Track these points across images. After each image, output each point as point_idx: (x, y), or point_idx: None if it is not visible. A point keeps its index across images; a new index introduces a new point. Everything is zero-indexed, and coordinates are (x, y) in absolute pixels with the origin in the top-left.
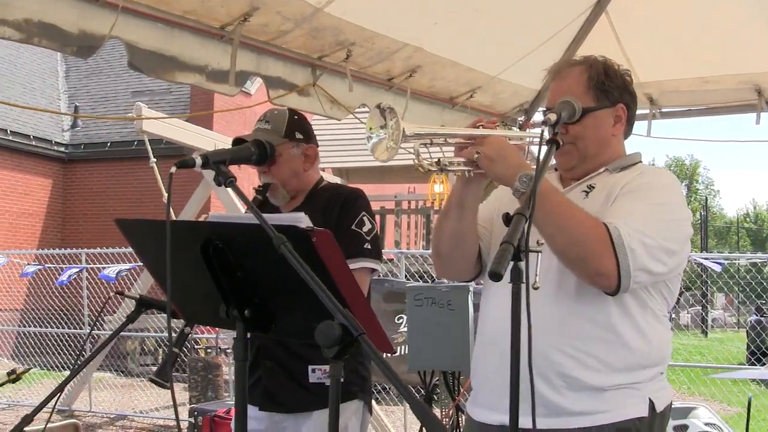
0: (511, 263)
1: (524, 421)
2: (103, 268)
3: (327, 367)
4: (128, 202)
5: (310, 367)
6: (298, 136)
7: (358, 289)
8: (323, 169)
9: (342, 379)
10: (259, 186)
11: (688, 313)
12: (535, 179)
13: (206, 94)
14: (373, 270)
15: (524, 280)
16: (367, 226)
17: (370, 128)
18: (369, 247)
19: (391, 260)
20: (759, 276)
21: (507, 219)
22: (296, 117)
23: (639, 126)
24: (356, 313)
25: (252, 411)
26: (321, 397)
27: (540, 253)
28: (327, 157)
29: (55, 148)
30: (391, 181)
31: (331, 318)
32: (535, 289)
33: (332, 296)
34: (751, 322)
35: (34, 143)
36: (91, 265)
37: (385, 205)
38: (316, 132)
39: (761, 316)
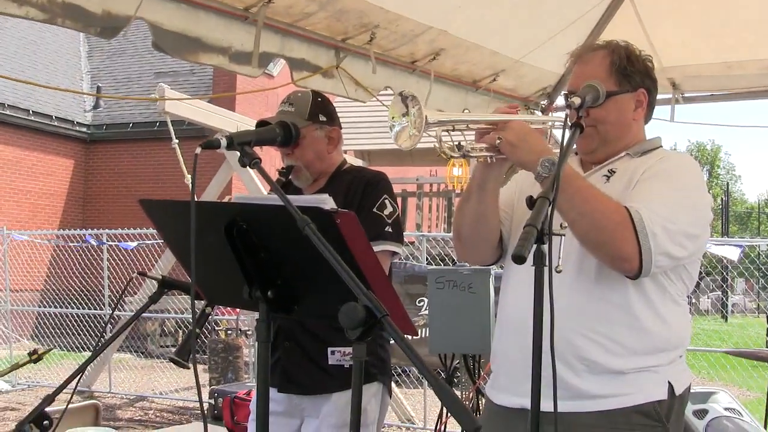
0: (534, 246)
1: (545, 405)
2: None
3: (346, 349)
4: (150, 183)
5: (329, 349)
6: (322, 118)
7: (381, 271)
8: (345, 152)
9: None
10: (283, 168)
11: (708, 299)
12: (559, 162)
13: (229, 75)
14: (395, 253)
15: (547, 263)
16: (389, 209)
17: (393, 117)
18: (390, 230)
19: (412, 243)
20: None
21: (530, 202)
22: (320, 99)
23: (662, 111)
24: (379, 295)
25: (271, 392)
26: (340, 379)
27: (563, 237)
28: (349, 139)
29: (77, 128)
30: (412, 164)
31: (354, 300)
32: (558, 272)
33: (356, 278)
34: None
35: (56, 123)
36: (111, 242)
37: (407, 188)
38: (338, 113)
39: None
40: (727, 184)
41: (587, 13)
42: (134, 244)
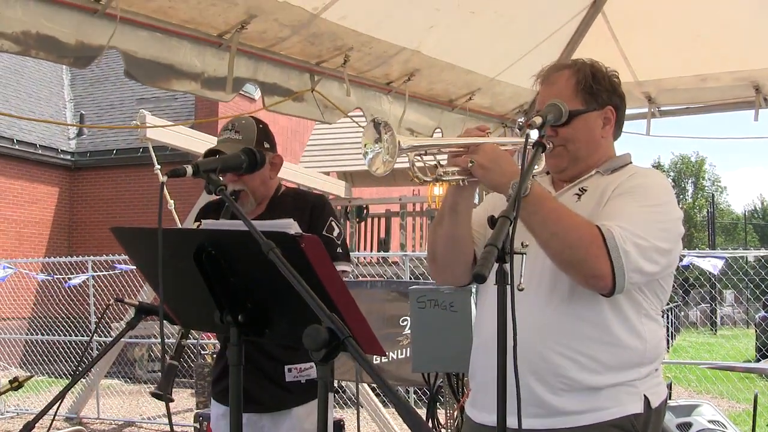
0: (497, 265)
1: (523, 423)
2: (114, 266)
3: (302, 366)
4: (135, 209)
5: (286, 367)
6: (266, 145)
7: (347, 292)
8: (328, 173)
9: (316, 375)
10: (230, 194)
11: (696, 311)
12: (520, 181)
13: (210, 100)
14: (344, 271)
15: (509, 282)
16: (336, 231)
17: (366, 144)
18: (341, 250)
19: (395, 263)
20: (763, 272)
21: (492, 222)
22: (261, 126)
23: (638, 125)
24: (346, 316)
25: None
26: (298, 395)
27: (525, 255)
28: (331, 160)
29: (62, 156)
30: (395, 184)
31: (321, 321)
32: (520, 290)
33: (319, 300)
34: (758, 318)
35: (40, 152)
36: (97, 273)
37: (391, 208)
38: (320, 135)
39: None
40: (713, 195)
41: (560, 29)
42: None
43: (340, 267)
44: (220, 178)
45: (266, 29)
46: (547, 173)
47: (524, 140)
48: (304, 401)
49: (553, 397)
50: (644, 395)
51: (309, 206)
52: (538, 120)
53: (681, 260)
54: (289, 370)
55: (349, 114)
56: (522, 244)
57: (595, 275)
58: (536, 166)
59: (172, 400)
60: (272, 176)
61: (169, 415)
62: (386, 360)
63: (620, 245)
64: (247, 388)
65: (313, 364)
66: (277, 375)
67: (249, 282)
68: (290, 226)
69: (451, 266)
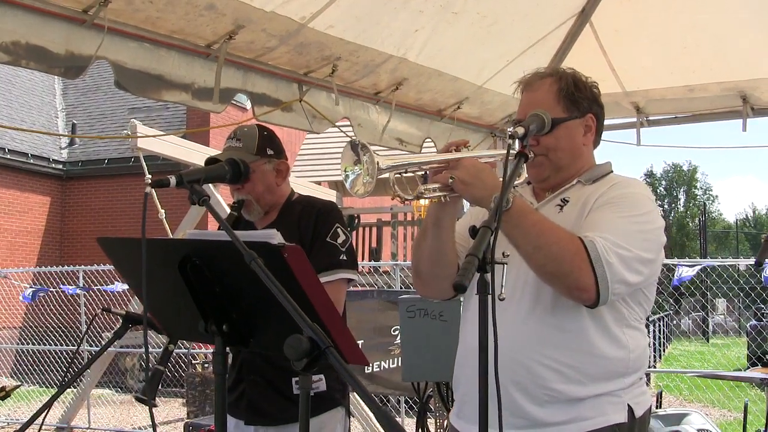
0: (478, 275)
1: None
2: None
3: (311, 378)
4: (126, 219)
5: (293, 379)
6: (270, 152)
7: (330, 302)
8: (319, 183)
9: (325, 388)
10: (234, 203)
11: (689, 320)
12: (502, 191)
13: (202, 111)
14: (350, 280)
15: (490, 292)
16: (342, 237)
17: (345, 168)
18: (345, 258)
19: (387, 272)
20: (752, 281)
21: (473, 232)
22: (266, 133)
23: (628, 134)
24: (329, 326)
25: (239, 425)
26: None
27: (506, 265)
28: (322, 170)
29: (53, 165)
30: (386, 194)
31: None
32: (501, 300)
33: (300, 310)
34: (749, 327)
35: (32, 161)
36: (91, 288)
37: (382, 218)
38: (311, 145)
39: (758, 320)
40: (705, 204)
41: (547, 35)
42: (120, 287)
43: (345, 275)
44: (203, 187)
45: (254, 39)
46: (528, 183)
47: (506, 152)
48: (313, 415)
49: (536, 408)
50: (628, 404)
51: (315, 212)
52: (521, 130)
53: (672, 277)
54: (296, 382)
55: (336, 124)
56: (503, 253)
57: (578, 287)
58: (518, 177)
59: (156, 405)
60: (279, 183)
61: (153, 419)
62: (378, 369)
63: (603, 257)
64: (255, 400)
65: (322, 376)
66: (284, 387)
67: (233, 292)
68: (273, 236)
69: (436, 280)
